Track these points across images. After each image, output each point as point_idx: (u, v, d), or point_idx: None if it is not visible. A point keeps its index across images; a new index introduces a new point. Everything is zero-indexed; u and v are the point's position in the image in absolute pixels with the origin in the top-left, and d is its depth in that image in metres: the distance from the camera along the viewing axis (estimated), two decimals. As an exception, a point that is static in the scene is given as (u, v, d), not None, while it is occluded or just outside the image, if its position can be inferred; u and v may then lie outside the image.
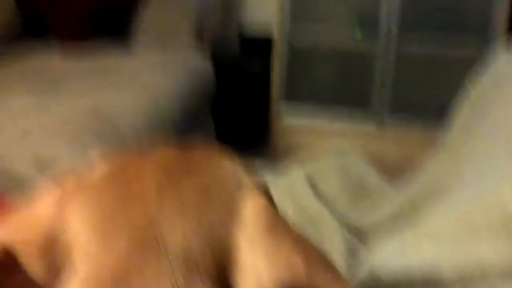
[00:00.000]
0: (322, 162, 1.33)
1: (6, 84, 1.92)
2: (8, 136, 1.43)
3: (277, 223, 0.57)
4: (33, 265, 0.58)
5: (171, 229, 0.55)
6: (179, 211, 0.56)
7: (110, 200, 0.58)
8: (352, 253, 1.07)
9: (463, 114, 1.07)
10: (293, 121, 2.89)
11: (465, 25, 2.73)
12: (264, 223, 0.56)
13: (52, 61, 2.25)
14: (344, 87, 2.87)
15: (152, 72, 2.06)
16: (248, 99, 2.82)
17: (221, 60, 2.90)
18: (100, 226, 0.57)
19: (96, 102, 1.70)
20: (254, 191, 0.60)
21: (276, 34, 2.83)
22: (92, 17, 2.32)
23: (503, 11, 2.66)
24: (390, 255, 0.84)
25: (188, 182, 0.58)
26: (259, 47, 2.97)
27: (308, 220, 1.18)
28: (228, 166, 0.62)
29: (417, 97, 2.81)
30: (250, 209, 0.57)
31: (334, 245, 1.09)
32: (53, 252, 0.58)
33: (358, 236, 1.15)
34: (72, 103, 1.69)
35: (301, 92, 2.90)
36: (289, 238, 0.56)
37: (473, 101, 1.06)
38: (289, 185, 1.27)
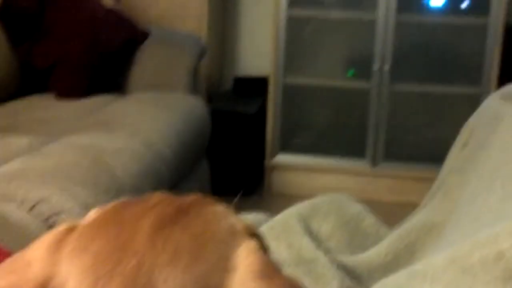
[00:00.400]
0: (316, 201, 1.33)
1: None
2: (-1, 177, 1.41)
3: (268, 268, 0.56)
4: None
5: (163, 277, 0.54)
6: (172, 258, 0.55)
7: (103, 246, 0.57)
8: (347, 294, 1.06)
9: (458, 156, 1.08)
10: (287, 160, 2.91)
11: (457, 64, 2.79)
12: (255, 268, 0.56)
13: (45, 101, 2.25)
14: (339, 126, 2.91)
15: (146, 115, 2.05)
16: (243, 139, 2.83)
17: (216, 101, 2.93)
18: (91, 272, 0.56)
19: (90, 143, 1.69)
20: (246, 237, 0.59)
21: (271, 73, 2.86)
22: (90, 73, 2.33)
23: (496, 52, 2.72)
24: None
25: (180, 229, 0.58)
26: (254, 86, 3.01)
27: (302, 260, 1.16)
28: (220, 213, 0.61)
29: (411, 135, 2.85)
30: (242, 255, 0.57)
31: (328, 286, 1.07)
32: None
33: (353, 276, 1.14)
34: (64, 144, 1.68)
35: (296, 131, 2.93)
36: (280, 282, 0.55)
37: (467, 144, 1.07)
38: (283, 225, 1.26)
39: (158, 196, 0.61)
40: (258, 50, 3.15)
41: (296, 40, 2.83)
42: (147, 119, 2.02)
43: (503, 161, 0.83)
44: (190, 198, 0.62)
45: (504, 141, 0.87)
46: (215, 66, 3.12)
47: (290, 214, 1.26)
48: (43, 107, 2.18)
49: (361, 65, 2.83)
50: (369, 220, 1.29)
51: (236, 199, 2.71)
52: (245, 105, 2.87)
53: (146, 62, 2.46)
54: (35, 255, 0.60)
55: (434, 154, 2.72)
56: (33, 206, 1.32)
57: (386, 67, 2.77)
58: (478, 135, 1.03)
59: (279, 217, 1.25)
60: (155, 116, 2.05)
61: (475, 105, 1.23)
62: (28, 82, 2.36)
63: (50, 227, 1.27)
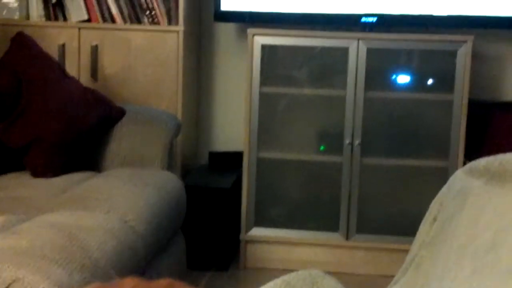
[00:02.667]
0: (289, 278, 1.30)
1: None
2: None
3: None
4: None
5: None
6: None
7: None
8: None
9: (428, 230, 1.06)
10: (262, 233, 2.88)
11: (425, 139, 2.82)
12: None
13: (20, 180, 2.21)
14: (312, 199, 2.89)
15: (122, 191, 2.01)
16: (218, 214, 2.79)
17: (191, 176, 2.91)
18: None
19: (65, 221, 1.65)
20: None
21: (245, 148, 2.85)
22: (66, 152, 2.31)
23: (462, 127, 2.75)
24: None
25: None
26: (229, 161, 3.01)
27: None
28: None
29: (383, 208, 2.84)
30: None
31: None
32: None
33: None
34: (39, 223, 1.64)
35: (271, 205, 2.90)
36: None
37: (436, 218, 1.06)
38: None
39: (130, 282, 0.60)
40: (232, 126, 3.16)
41: (269, 115, 2.86)
42: (122, 195, 1.97)
43: (471, 237, 0.83)
44: (162, 282, 0.61)
45: (471, 217, 0.87)
46: (190, 142, 3.12)
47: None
48: (19, 185, 2.13)
49: (332, 140, 2.85)
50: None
51: (208, 277, 2.65)
52: (220, 180, 2.85)
53: (122, 139, 2.44)
54: None
55: (406, 227, 2.75)
56: (7, 287, 1.28)
57: (357, 142, 2.78)
58: (447, 210, 1.02)
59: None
60: (131, 192, 2.01)
61: (444, 178, 1.24)
62: (3, 161, 2.32)
63: (24, 307, 1.23)
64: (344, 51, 2.79)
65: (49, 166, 2.29)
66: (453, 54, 2.74)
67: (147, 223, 1.89)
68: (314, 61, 2.88)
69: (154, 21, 2.87)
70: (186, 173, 2.92)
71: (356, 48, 2.77)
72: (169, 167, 2.46)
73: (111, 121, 2.48)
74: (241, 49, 3.06)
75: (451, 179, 1.13)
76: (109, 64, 2.89)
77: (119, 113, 2.51)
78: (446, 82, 2.78)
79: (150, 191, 2.07)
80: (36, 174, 2.27)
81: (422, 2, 2.89)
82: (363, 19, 2.90)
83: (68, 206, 1.84)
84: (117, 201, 1.92)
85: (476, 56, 2.86)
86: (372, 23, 2.89)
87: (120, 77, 2.88)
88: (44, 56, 2.45)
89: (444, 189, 1.13)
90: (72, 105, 2.38)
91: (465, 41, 2.73)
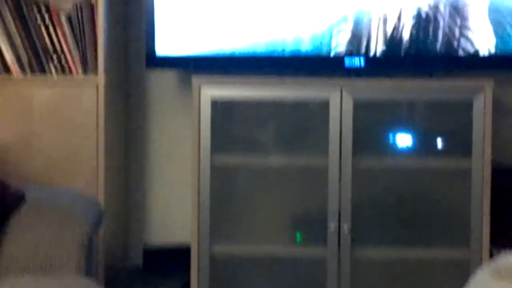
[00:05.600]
0: None
1: None
2: None
3: None
4: None
5: None
6: None
7: None
8: None
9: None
10: None
11: (436, 220, 2.86)
12: None
13: None
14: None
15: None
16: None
17: (120, 282, 2.93)
18: None
19: None
20: None
21: (193, 242, 2.84)
22: None
23: (485, 203, 2.78)
24: None
25: None
26: (170, 260, 3.04)
27: None
28: None
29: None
30: None
31: None
32: None
33: None
34: None
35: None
36: None
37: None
38: None
39: None
40: (175, 211, 3.18)
41: (225, 195, 2.86)
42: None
43: None
44: None
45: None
46: (118, 236, 3.11)
47: None
48: None
49: (312, 225, 2.84)
50: None
51: None
52: (159, 285, 2.87)
53: (22, 234, 2.35)
54: None
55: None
56: None
57: (345, 227, 2.77)
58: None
59: None
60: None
61: (463, 274, 1.38)
62: None
63: None
64: (324, 104, 2.81)
65: None
66: (468, 106, 2.77)
67: None
68: (284, 119, 2.91)
69: (64, 70, 2.88)
70: (112, 279, 2.86)
71: (340, 100, 2.79)
72: (88, 272, 2.38)
73: (4, 211, 2.38)
74: (184, 105, 3.07)
75: (473, 283, 1.16)
76: (2, 130, 2.87)
77: (16, 199, 2.42)
78: (460, 143, 2.81)
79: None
80: None
81: (425, 38, 2.89)
82: (348, 62, 2.90)
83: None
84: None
85: (498, 108, 2.87)
86: (359, 66, 2.89)
87: (18, 148, 2.86)
88: None
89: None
90: None
91: (482, 88, 2.75)
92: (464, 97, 2.79)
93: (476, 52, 2.87)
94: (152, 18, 2.93)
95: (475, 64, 2.90)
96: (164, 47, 2.95)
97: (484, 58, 2.88)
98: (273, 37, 2.92)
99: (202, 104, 2.82)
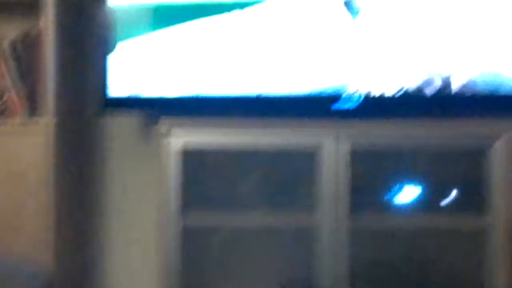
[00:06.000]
0: None
1: None
2: None
3: None
4: None
5: None
6: None
7: None
8: None
9: None
10: None
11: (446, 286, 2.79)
12: None
13: None
14: None
15: None
16: None
17: None
18: None
19: None
20: None
21: None
22: None
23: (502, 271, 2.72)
24: None
25: None
26: None
27: None
28: None
29: None
30: None
31: None
32: None
33: None
34: None
35: None
36: None
37: None
38: None
39: None
40: (138, 282, 3.10)
41: (197, 262, 2.78)
42: None
43: None
44: None
45: None
46: None
47: None
48: None
49: None
50: None
51: None
52: None
53: None
54: None
55: None
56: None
57: None
58: None
59: None
60: None
61: None
62: None
63: None
64: (315, 152, 2.74)
65: None
66: (483, 154, 2.71)
67: None
68: (268, 170, 2.80)
69: (5, 112, 2.83)
70: None
71: (333, 149, 2.72)
72: None
73: None
74: (148, 155, 3.03)
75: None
76: None
77: None
78: (474, 198, 2.72)
79: None
80: None
81: (433, 75, 2.77)
82: (343, 101, 2.78)
83: None
84: None
85: None
86: (356, 107, 2.76)
87: None
88: None
89: None
90: None
91: (499, 135, 2.68)
92: (479, 144, 2.72)
93: (491, 90, 2.75)
94: (110, 54, 2.84)
95: (491, 104, 2.76)
96: (125, 87, 2.84)
97: (501, 97, 2.75)
98: (254, 73, 2.82)
99: (169, 155, 2.75)
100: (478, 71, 2.75)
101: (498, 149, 2.69)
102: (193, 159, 2.77)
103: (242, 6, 2.82)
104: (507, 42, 2.75)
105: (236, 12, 2.82)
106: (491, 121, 2.75)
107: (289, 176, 2.79)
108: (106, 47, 2.86)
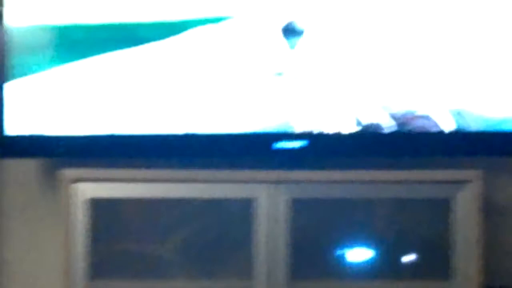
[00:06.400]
0: None
1: None
2: None
3: None
4: None
5: None
6: None
7: None
8: None
9: None
10: None
11: None
12: None
13: None
14: None
15: None
16: None
17: None
18: None
19: None
20: None
21: None
22: None
23: None
24: None
25: None
26: None
27: None
28: None
29: None
30: None
31: None
32: None
33: None
34: None
35: None
36: None
37: None
38: None
39: None
40: None
41: None
42: None
43: None
44: None
45: None
46: None
47: None
48: None
49: None
50: None
51: None
52: None
53: None
54: None
55: None
56: None
57: None
58: None
59: None
60: None
61: None
62: None
63: None
64: (247, 206, 2.60)
65: None
66: (446, 206, 2.58)
67: None
68: (192, 228, 2.64)
69: None
70: None
71: (270, 201, 2.59)
72: None
73: None
74: (51, 206, 2.84)
75: None
76: None
77: None
78: (437, 258, 2.59)
79: None
80: None
81: (389, 112, 2.70)
82: (280, 145, 2.63)
83: None
84: None
85: (489, 207, 2.69)
86: (299, 150, 2.65)
87: None
88: None
89: None
90: None
91: (468, 181, 2.57)
92: (442, 193, 2.59)
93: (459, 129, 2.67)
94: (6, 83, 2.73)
95: (459, 146, 2.71)
96: (24, 124, 2.71)
97: (470, 134, 2.68)
98: (179, 110, 2.70)
99: (74, 207, 2.56)
100: (441, 107, 2.64)
101: (463, 199, 2.56)
102: (102, 213, 2.61)
103: (164, 35, 2.68)
104: (470, 77, 2.64)
105: (159, 42, 2.67)
106: (455, 167, 2.66)
107: (218, 235, 2.65)
108: (1, 75, 2.73)
